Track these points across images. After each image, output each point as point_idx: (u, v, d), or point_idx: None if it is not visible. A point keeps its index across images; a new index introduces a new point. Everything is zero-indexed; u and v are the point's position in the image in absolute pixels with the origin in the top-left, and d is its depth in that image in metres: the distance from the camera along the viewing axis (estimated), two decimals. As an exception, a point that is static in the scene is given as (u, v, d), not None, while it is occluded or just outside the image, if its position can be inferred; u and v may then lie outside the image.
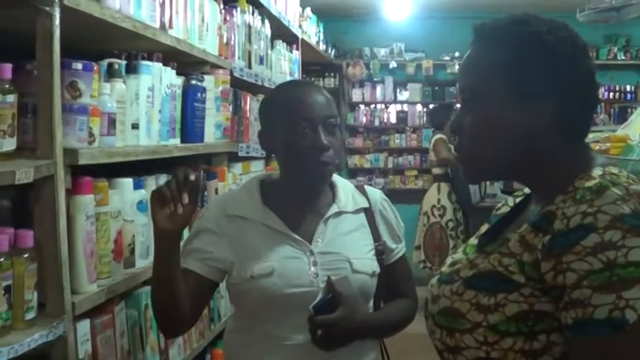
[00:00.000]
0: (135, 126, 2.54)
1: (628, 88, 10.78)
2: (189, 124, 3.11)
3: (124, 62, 2.55)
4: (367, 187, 2.49)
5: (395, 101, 11.20)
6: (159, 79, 2.76)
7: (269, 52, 4.83)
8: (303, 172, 2.28)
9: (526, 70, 1.50)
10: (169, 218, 2.08)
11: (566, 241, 1.34)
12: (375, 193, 2.48)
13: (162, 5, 2.79)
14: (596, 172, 1.46)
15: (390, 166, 11.09)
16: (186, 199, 2.07)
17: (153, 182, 2.72)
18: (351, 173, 11.05)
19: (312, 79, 10.65)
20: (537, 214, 1.47)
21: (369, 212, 2.41)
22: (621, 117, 9.61)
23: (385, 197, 2.49)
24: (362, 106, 11.28)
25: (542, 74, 1.49)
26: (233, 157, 3.93)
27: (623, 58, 10.54)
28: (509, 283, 1.42)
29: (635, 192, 1.38)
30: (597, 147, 3.41)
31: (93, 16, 2.17)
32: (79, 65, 2.16)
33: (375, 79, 11.18)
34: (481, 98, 1.54)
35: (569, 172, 1.49)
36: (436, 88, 11.03)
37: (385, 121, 11.27)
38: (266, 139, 2.39)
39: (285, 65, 5.29)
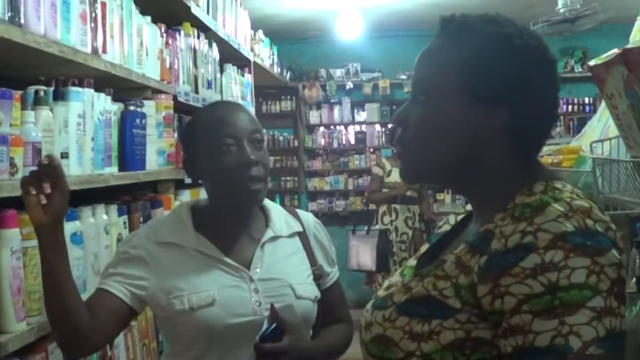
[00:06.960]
0: (64, 155, 2.43)
1: (586, 100, 10.84)
2: (128, 152, 3.02)
3: (51, 89, 2.45)
4: (299, 211, 2.43)
5: (353, 122, 11.20)
6: (90, 106, 2.65)
7: (218, 75, 4.77)
8: (233, 192, 2.19)
9: (486, 71, 1.39)
10: (43, 210, 1.88)
11: (504, 262, 1.25)
12: (308, 217, 2.41)
13: (95, 30, 2.70)
14: (538, 187, 1.37)
15: (350, 187, 11.04)
16: (47, 188, 1.87)
17: (89, 213, 2.61)
18: (311, 196, 11.00)
19: (269, 102, 10.78)
20: (475, 233, 1.38)
21: (303, 236, 2.34)
22: (580, 129, 9.59)
23: (317, 220, 2.43)
24: (320, 128, 11.25)
25: (503, 79, 1.38)
26: (180, 185, 3.83)
27: (581, 70, 10.55)
28: (444, 309, 1.32)
29: (579, 207, 1.29)
30: (549, 160, 3.35)
31: (13, 41, 2.06)
32: (-4, 93, 2.06)
33: (332, 101, 11.16)
34: (433, 92, 1.43)
35: (511, 186, 1.39)
36: (394, 107, 11.00)
37: (344, 142, 11.25)
38: (191, 165, 2.30)
39: (236, 89, 5.22)
